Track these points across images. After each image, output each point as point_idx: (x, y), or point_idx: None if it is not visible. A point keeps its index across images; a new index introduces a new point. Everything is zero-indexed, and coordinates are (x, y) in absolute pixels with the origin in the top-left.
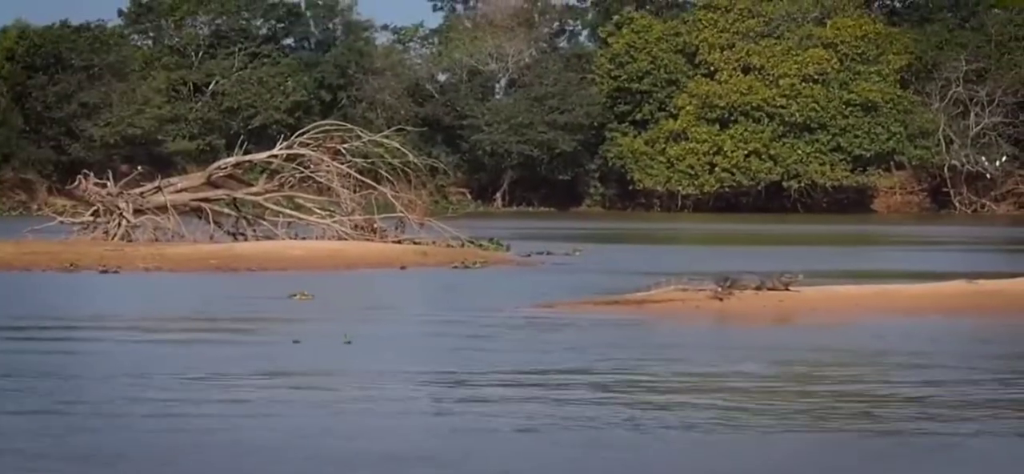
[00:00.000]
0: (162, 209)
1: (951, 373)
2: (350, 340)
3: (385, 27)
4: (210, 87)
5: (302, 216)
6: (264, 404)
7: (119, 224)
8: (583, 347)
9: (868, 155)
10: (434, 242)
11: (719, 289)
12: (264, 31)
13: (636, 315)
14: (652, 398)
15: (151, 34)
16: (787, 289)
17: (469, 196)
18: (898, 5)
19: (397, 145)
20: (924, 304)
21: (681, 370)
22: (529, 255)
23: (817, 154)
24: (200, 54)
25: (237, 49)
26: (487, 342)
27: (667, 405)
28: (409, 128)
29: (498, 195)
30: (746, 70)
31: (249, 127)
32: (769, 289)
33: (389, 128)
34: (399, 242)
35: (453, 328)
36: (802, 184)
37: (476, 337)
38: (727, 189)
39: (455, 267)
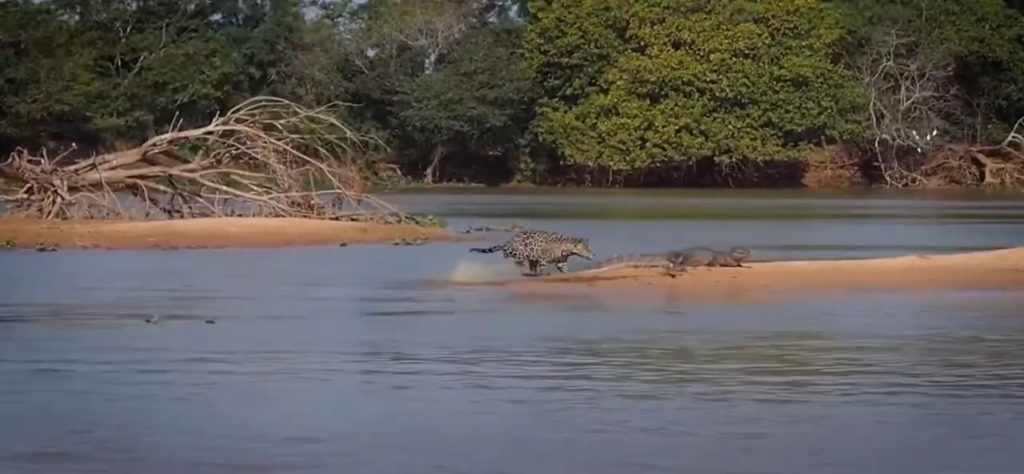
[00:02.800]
0: (97, 186)
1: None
2: (213, 320)
3: (314, 2)
4: (138, 63)
5: (239, 193)
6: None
7: (54, 202)
8: (544, 323)
9: (799, 130)
10: (371, 218)
11: (671, 265)
12: (192, 6)
13: (588, 292)
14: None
15: (78, 9)
16: (739, 265)
17: (399, 172)
18: None
19: (334, 121)
20: (885, 280)
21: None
22: (468, 231)
23: (748, 129)
24: (127, 29)
25: (165, 24)
26: (432, 320)
27: (620, 378)
28: (340, 104)
29: (429, 171)
30: (677, 45)
31: (178, 103)
32: (722, 265)
33: (319, 104)
34: (337, 219)
35: (400, 305)
36: (733, 159)
37: (418, 314)
38: (658, 164)
39: (396, 244)
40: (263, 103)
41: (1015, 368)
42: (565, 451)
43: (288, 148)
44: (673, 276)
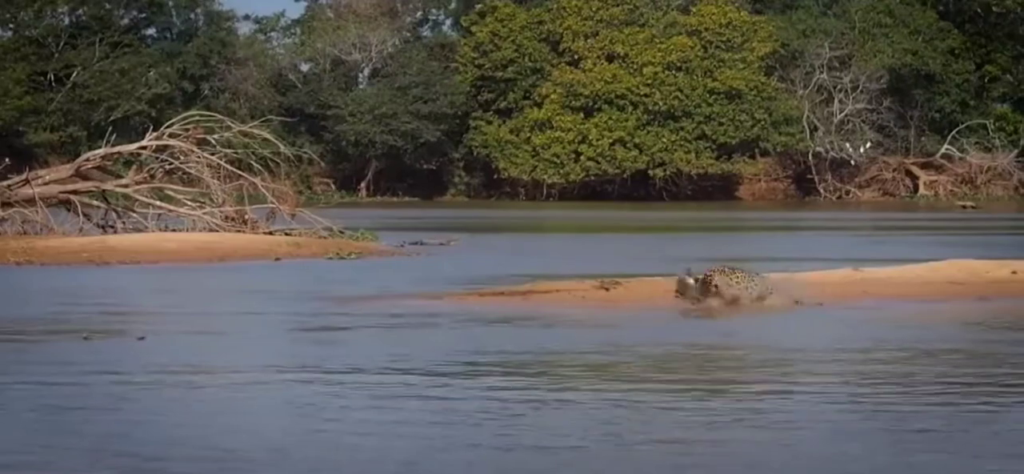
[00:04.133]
0: (30, 202)
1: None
2: (143, 337)
3: (247, 17)
4: (71, 78)
5: (172, 208)
6: (114, 400)
7: None
8: (478, 339)
9: (733, 143)
10: (305, 233)
11: (602, 281)
12: (125, 21)
13: (523, 306)
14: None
15: (10, 25)
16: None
17: (333, 186)
18: None
19: (268, 135)
20: (826, 292)
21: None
22: (402, 245)
23: (682, 142)
24: (60, 45)
25: (98, 40)
26: (357, 335)
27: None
28: (273, 118)
29: (363, 185)
30: (610, 58)
31: (111, 118)
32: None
33: (253, 118)
34: (271, 233)
35: (326, 320)
36: (667, 172)
37: (339, 330)
38: (593, 178)
39: (330, 257)
40: (196, 118)
41: (954, 377)
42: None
43: (222, 163)
44: (607, 290)
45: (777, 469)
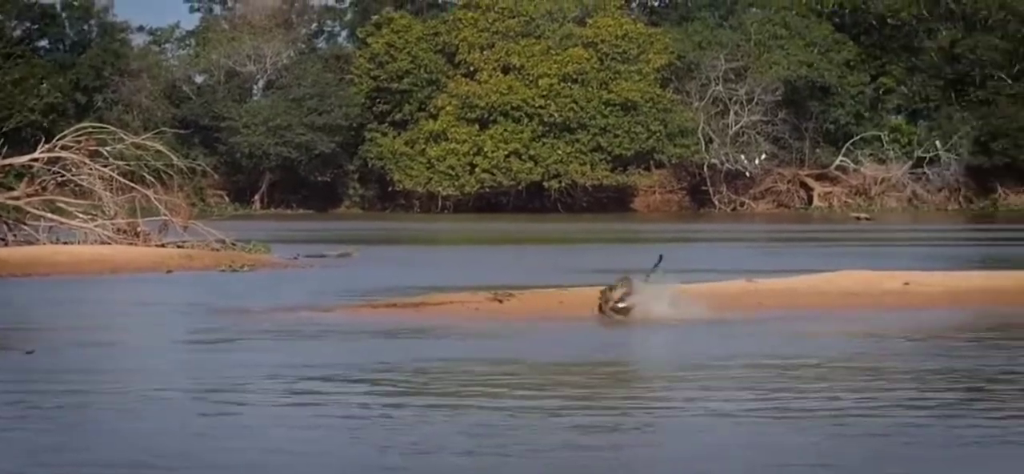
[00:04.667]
0: None
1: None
2: (33, 350)
3: (141, 28)
4: None
5: (64, 220)
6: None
7: None
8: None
9: (628, 154)
10: (198, 245)
11: (495, 293)
12: (18, 32)
13: (413, 317)
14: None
15: None
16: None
17: (227, 198)
18: (657, 4)
19: (161, 147)
20: (716, 302)
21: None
22: (296, 257)
23: (577, 154)
24: None
25: None
26: (247, 347)
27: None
28: (167, 130)
29: (257, 197)
30: (506, 70)
31: (3, 129)
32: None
33: (146, 130)
34: (163, 246)
35: (215, 333)
36: (563, 184)
37: (226, 341)
38: (488, 189)
39: (222, 270)
40: (89, 129)
41: (841, 390)
42: None
43: (114, 175)
44: (500, 301)
45: None
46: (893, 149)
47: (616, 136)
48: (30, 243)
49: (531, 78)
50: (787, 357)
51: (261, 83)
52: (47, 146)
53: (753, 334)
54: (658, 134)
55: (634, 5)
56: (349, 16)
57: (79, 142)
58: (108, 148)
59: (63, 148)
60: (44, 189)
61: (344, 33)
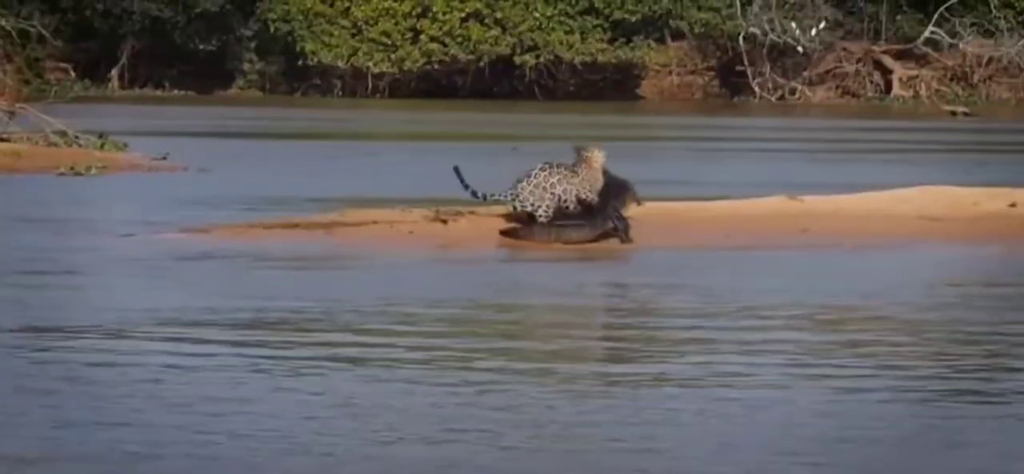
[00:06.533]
0: None
1: None
2: None
3: None
4: None
5: None
6: None
7: None
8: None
9: (633, 20)
10: (29, 138)
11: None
12: None
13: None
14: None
15: None
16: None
17: (73, 74)
18: None
19: None
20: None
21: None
22: (165, 156)
23: (562, 19)
24: None
25: None
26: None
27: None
28: None
29: (114, 72)
30: None
31: None
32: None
33: None
34: None
35: (50, 260)
36: (541, 59)
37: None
38: (436, 66)
39: (62, 173)
40: None
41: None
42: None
43: None
44: (444, 222)
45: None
46: (1005, 17)
47: None
48: None
49: None
50: (828, 307)
51: None
52: None
53: (785, 271)
54: None
55: None
56: None
57: None
58: None
59: None
60: None
61: None
